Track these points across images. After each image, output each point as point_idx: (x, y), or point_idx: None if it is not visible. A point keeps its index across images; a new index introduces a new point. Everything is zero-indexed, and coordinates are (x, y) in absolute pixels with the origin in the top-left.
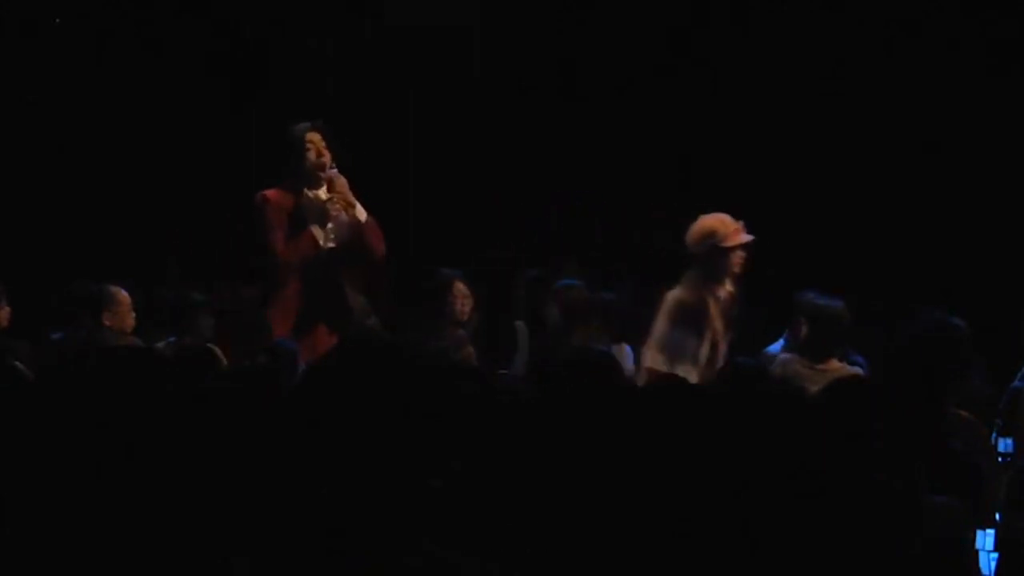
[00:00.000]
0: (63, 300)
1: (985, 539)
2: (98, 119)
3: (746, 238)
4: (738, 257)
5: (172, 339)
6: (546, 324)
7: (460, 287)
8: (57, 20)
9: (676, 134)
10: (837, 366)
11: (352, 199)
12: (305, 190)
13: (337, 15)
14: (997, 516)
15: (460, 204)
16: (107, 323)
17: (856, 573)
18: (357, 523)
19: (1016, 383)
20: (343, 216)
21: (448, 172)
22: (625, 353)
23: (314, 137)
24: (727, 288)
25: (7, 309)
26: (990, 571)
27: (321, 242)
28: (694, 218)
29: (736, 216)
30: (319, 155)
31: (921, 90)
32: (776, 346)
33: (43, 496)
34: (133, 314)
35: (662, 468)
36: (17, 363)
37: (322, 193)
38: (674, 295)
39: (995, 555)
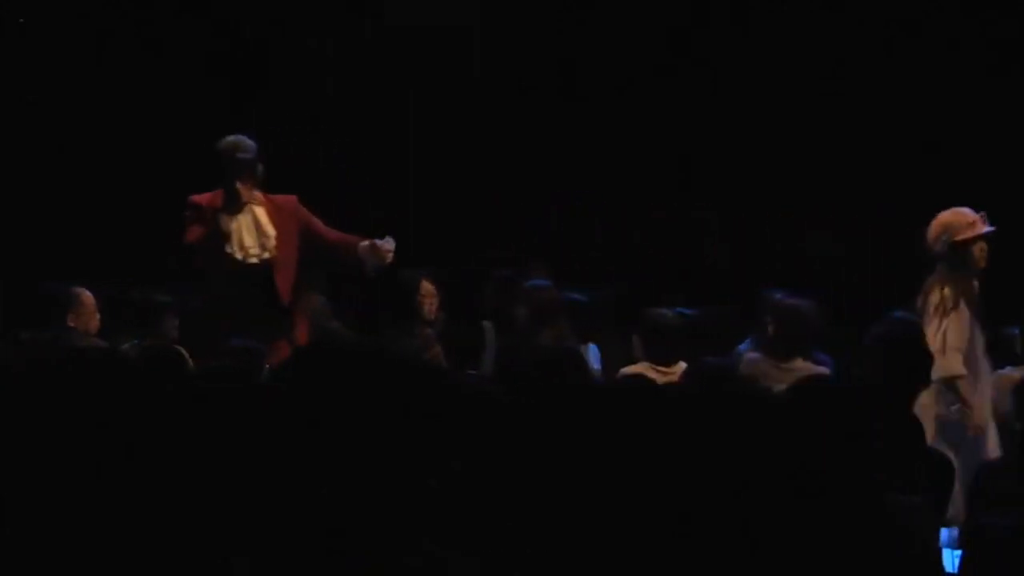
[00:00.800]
0: (30, 301)
1: (948, 537)
2: (98, 119)
3: (981, 230)
4: (979, 249)
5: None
6: (513, 324)
7: (427, 286)
8: (21, 20)
9: (676, 134)
10: (803, 365)
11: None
12: (228, 204)
13: (337, 15)
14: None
15: (460, 204)
16: (71, 324)
17: (823, 572)
18: (335, 523)
19: None
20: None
21: (448, 172)
22: (591, 353)
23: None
24: (974, 283)
25: None
26: (953, 568)
27: (239, 256)
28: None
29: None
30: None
31: (921, 90)
32: (745, 345)
33: (10, 498)
34: (98, 316)
35: (633, 467)
36: None
37: (245, 211)
38: (935, 296)
39: (958, 552)
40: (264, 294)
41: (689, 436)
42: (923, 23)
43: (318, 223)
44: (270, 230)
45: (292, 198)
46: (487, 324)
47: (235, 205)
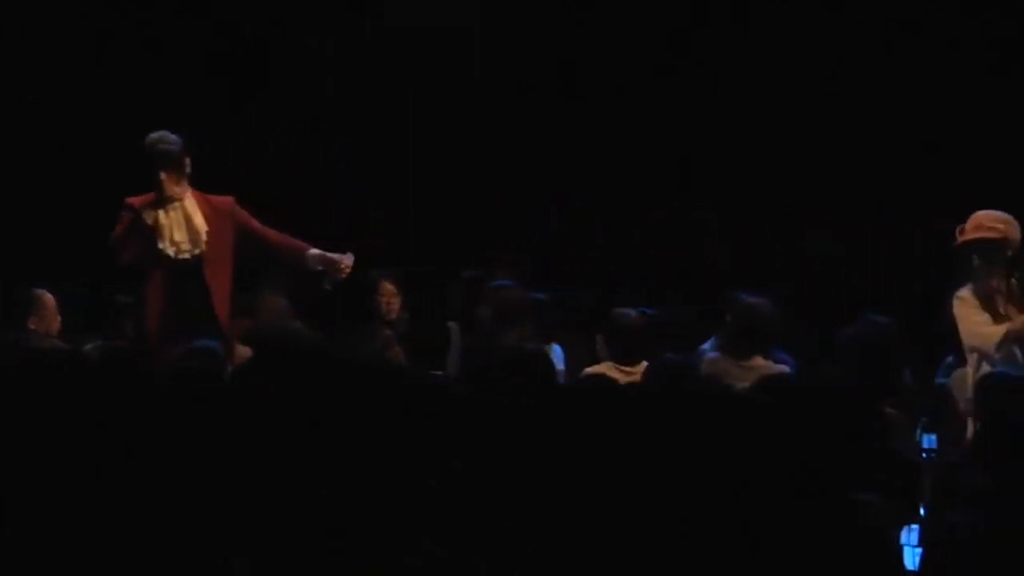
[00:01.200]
0: None
1: (910, 535)
2: (98, 119)
3: (966, 236)
4: (979, 254)
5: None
6: (478, 324)
7: (387, 287)
8: None
9: (676, 134)
10: (762, 363)
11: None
12: (156, 198)
13: (337, 15)
14: (922, 512)
15: (460, 204)
16: (32, 326)
17: (783, 567)
18: (294, 521)
19: (939, 379)
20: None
21: (448, 172)
22: (555, 353)
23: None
24: (1004, 281)
25: None
26: (915, 566)
27: (171, 252)
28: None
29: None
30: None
31: (921, 90)
32: (709, 344)
33: None
34: (59, 317)
35: (595, 465)
36: None
37: (175, 208)
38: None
39: (919, 550)
40: (197, 290)
41: (650, 434)
42: (923, 23)
43: (257, 224)
44: (201, 225)
45: (229, 199)
46: (452, 324)
47: (162, 198)
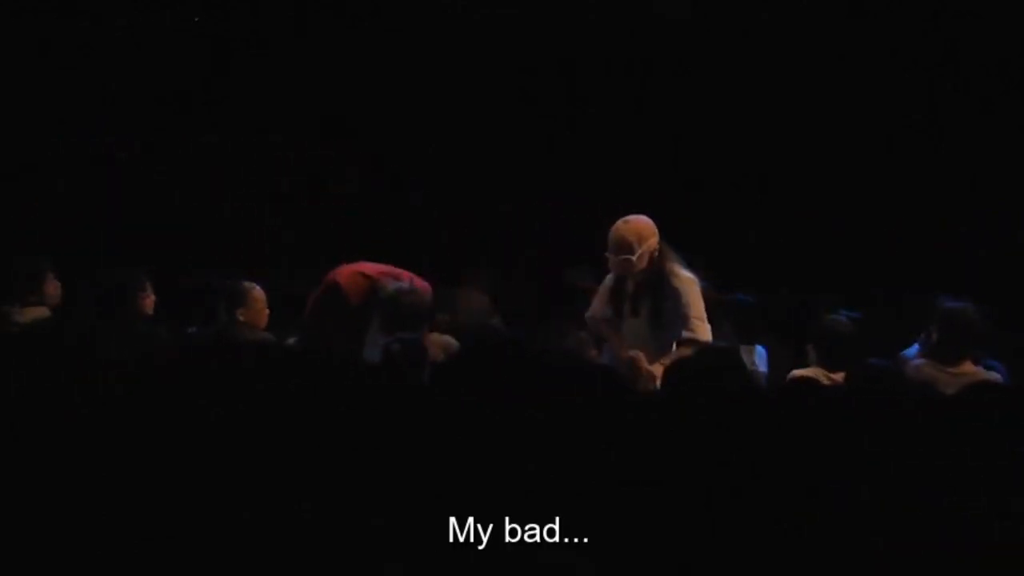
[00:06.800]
0: (199, 294)
1: None
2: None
3: None
4: None
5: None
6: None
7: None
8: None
9: (675, 135)
10: (971, 369)
11: None
12: None
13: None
14: None
15: (459, 205)
16: (242, 318)
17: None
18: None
19: None
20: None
21: (448, 173)
22: (759, 355)
23: None
24: None
25: (152, 298)
26: None
27: None
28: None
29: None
30: None
31: (924, 89)
32: (912, 350)
33: (174, 487)
34: (267, 311)
35: (792, 468)
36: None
37: None
38: None
39: None
40: None
41: (854, 438)
42: (925, 23)
43: None
44: None
45: None
46: None
47: None
